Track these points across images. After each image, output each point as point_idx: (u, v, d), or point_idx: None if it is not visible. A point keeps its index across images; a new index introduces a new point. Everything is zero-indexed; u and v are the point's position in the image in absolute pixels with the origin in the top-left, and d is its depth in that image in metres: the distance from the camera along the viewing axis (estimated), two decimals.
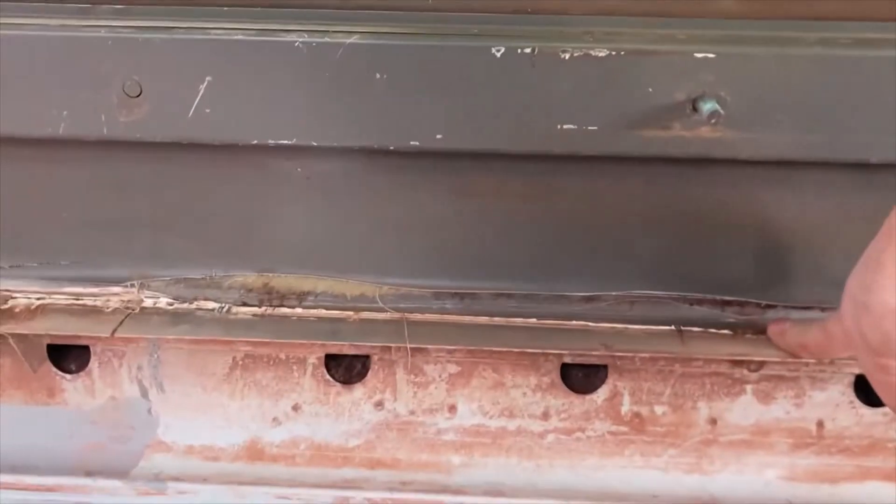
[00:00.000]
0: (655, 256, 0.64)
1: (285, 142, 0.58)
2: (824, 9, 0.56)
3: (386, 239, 0.64)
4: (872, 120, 0.55)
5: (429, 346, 0.65)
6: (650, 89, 0.55)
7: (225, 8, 0.57)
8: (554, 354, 0.66)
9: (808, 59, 0.54)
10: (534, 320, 0.65)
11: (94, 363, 0.69)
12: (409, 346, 0.64)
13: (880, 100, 0.55)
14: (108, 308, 0.66)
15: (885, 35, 0.55)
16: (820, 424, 0.67)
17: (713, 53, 0.54)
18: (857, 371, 0.65)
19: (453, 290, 0.65)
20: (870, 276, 0.49)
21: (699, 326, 0.65)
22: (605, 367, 0.67)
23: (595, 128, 0.56)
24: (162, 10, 0.57)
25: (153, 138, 0.58)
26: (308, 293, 0.66)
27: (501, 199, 0.62)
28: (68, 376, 0.69)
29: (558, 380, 0.67)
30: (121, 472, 0.68)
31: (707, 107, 0.53)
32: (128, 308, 0.66)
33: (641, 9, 0.56)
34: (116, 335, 0.64)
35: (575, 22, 0.56)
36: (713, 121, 0.53)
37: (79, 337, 0.67)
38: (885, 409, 0.65)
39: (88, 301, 0.66)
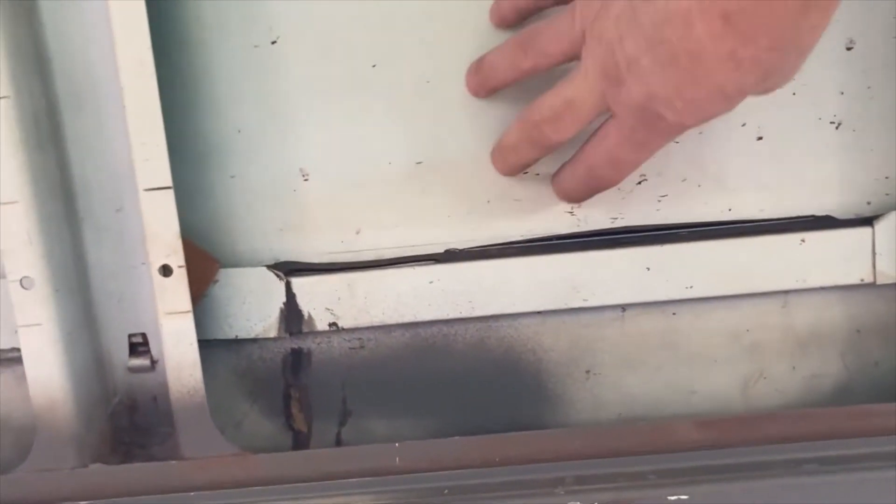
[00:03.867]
0: None
1: None
2: (785, 430, 0.57)
3: None
4: None
5: None
6: None
7: None
8: None
9: (778, 486, 0.55)
10: None
11: None
12: None
13: None
14: None
15: (848, 451, 0.56)
16: None
17: (686, 495, 0.54)
18: None
19: None
20: None
21: None
22: None
23: None
24: None
25: None
26: None
27: None
28: None
29: None
30: None
31: None
32: None
33: (609, 447, 0.57)
34: None
35: (544, 469, 0.56)
36: None
37: None
38: None
39: None
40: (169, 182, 0.54)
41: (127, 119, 0.54)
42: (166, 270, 0.56)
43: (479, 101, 0.61)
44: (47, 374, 0.58)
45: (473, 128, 0.62)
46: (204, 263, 0.61)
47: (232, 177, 0.62)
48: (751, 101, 0.61)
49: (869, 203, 0.64)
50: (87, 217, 0.60)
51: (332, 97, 0.61)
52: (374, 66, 0.60)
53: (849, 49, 0.61)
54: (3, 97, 0.53)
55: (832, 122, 0.63)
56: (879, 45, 0.61)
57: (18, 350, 0.61)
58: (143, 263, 0.61)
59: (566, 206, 0.63)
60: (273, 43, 0.60)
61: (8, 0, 0.53)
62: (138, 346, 0.63)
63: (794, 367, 0.66)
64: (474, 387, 0.66)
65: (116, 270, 0.61)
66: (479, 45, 0.60)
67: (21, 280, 0.56)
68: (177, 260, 0.56)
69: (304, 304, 0.63)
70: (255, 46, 0.60)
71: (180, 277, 0.56)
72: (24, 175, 0.55)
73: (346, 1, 0.59)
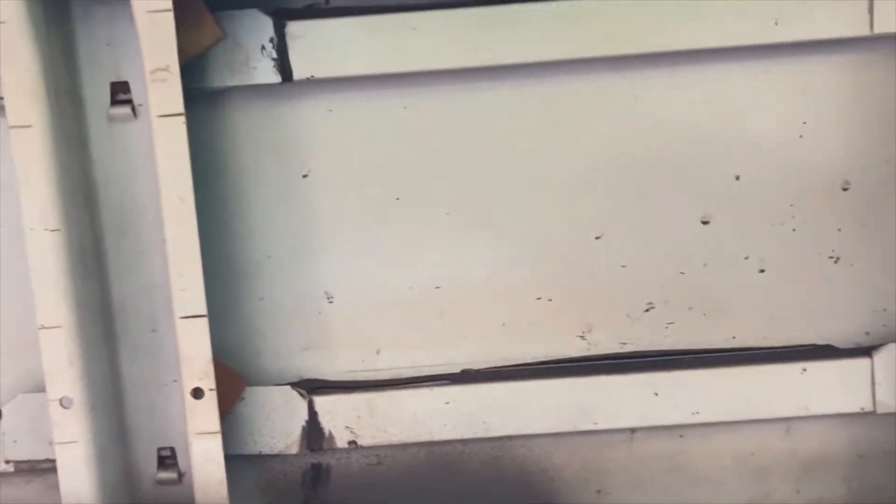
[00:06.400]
0: None
1: None
2: None
3: None
4: None
5: None
6: None
7: None
8: None
9: None
10: None
11: None
12: None
13: None
14: None
15: None
16: None
17: None
18: None
19: None
20: None
21: None
22: None
23: None
24: None
25: None
26: None
27: None
28: None
29: None
30: None
31: None
32: None
33: None
34: None
35: None
36: None
37: None
38: None
39: None
40: (204, 311, 0.58)
41: (167, 251, 0.58)
42: (197, 393, 0.59)
43: (494, 232, 0.66)
44: (80, 487, 0.60)
45: (488, 256, 0.65)
46: (231, 382, 0.64)
47: (261, 299, 0.66)
48: (753, 236, 0.64)
49: (867, 333, 0.66)
50: (123, 337, 0.63)
51: (358, 226, 0.65)
52: (397, 199, 0.64)
53: (845, 189, 0.64)
54: (54, 230, 0.57)
55: (831, 257, 0.66)
56: (874, 186, 0.64)
57: (51, 461, 0.64)
58: (175, 381, 0.64)
59: (578, 331, 0.66)
60: (304, 177, 0.64)
61: (62, 139, 0.58)
62: (166, 459, 0.66)
63: (798, 491, 0.68)
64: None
65: (149, 387, 0.64)
66: (495, 182, 0.64)
67: (61, 400, 0.59)
68: (208, 384, 0.59)
69: (326, 422, 0.65)
70: (288, 180, 0.64)
71: (210, 400, 0.59)
72: (68, 302, 0.58)
73: (374, 141, 0.64)
